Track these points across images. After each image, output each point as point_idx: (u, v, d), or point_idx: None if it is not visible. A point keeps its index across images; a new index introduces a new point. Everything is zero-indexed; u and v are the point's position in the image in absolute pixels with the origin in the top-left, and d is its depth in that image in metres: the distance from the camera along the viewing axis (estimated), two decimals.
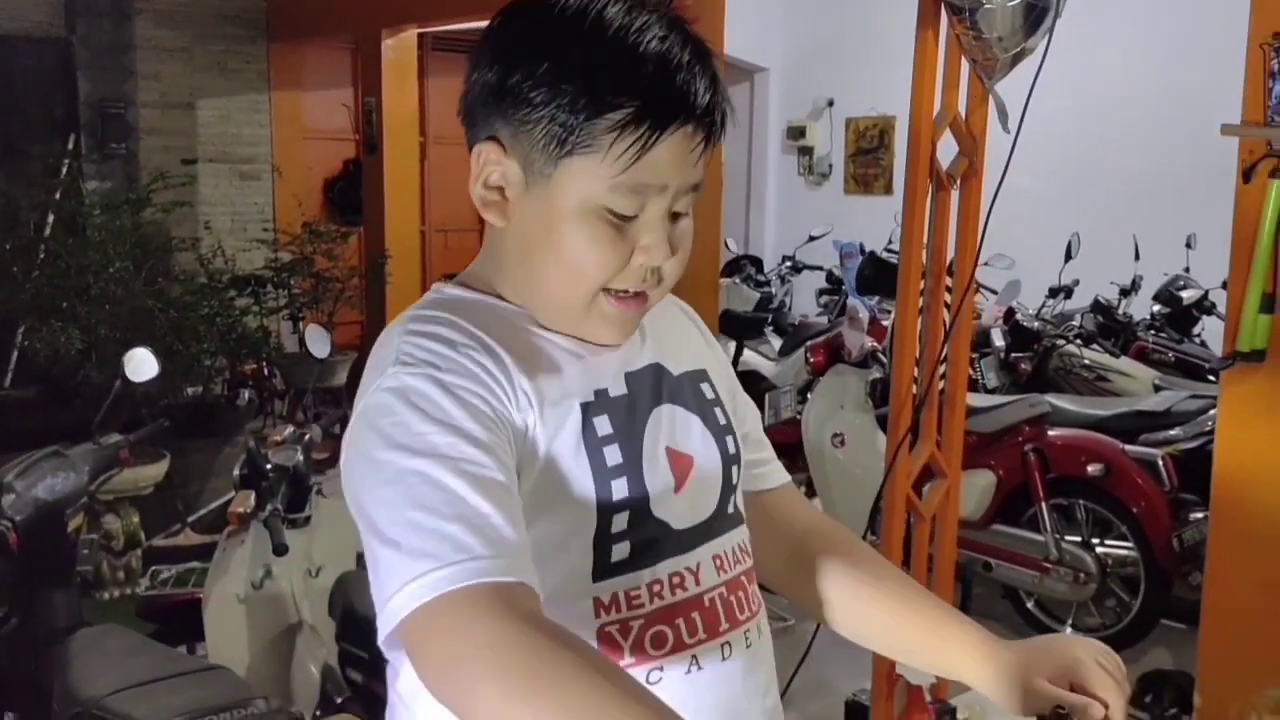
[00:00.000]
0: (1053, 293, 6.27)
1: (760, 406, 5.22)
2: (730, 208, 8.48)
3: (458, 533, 0.95)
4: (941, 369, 2.87)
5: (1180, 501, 4.23)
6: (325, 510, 3.32)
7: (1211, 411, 4.09)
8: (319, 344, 3.55)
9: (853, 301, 4.98)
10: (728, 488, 1.22)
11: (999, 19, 2.52)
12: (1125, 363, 5.55)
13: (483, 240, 1.25)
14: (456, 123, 1.17)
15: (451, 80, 7.63)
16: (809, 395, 5.07)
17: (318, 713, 3.08)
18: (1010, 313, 5.67)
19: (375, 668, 2.59)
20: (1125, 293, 6.33)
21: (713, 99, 1.09)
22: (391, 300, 6.90)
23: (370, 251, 7.22)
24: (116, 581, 4.79)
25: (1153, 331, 6.04)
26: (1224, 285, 3.35)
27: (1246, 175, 3.20)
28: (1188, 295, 6.07)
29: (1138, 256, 6.38)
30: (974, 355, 5.38)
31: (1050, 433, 4.42)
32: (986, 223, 2.74)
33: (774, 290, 7.54)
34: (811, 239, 7.67)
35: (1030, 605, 4.45)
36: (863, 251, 5.76)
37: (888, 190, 8.76)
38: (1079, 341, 5.56)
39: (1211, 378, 4.98)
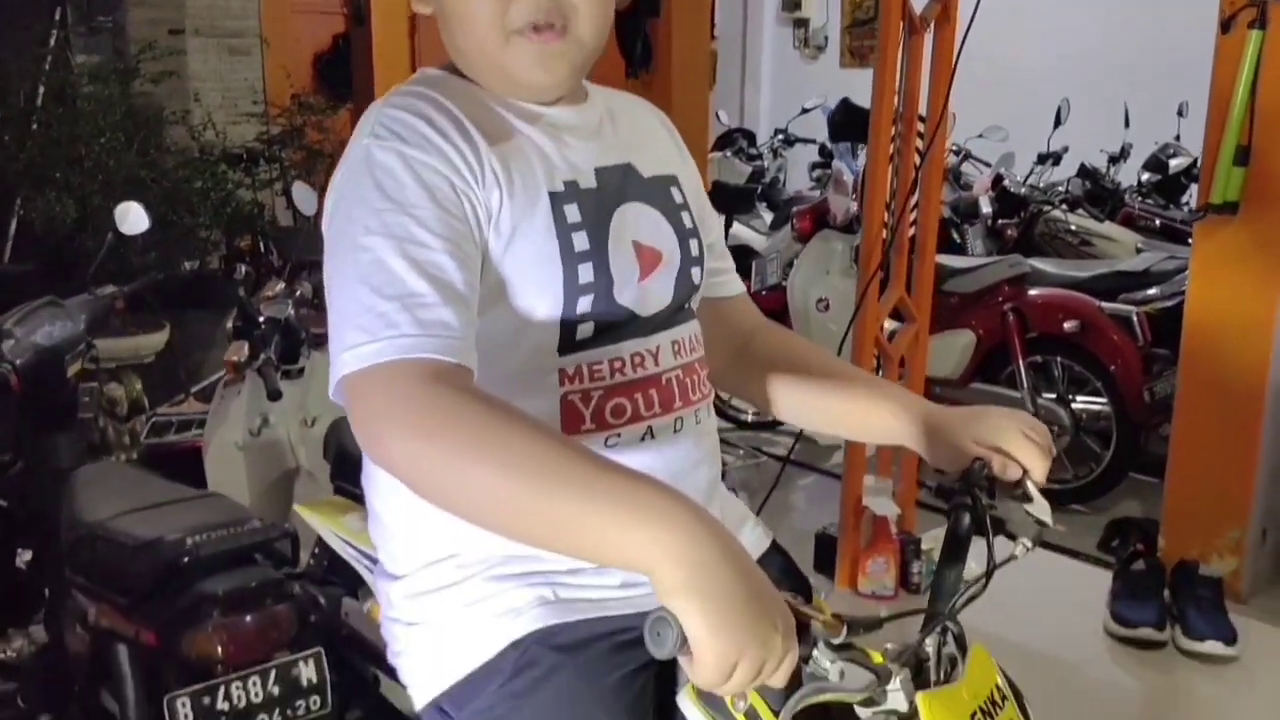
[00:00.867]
0: (1041, 159, 6.27)
1: (746, 274, 5.28)
2: (724, 80, 8.41)
3: (391, 311, 1.02)
4: (913, 216, 2.94)
5: (1153, 356, 4.33)
6: (318, 362, 3.42)
7: (1188, 272, 4.16)
8: (306, 201, 3.61)
9: (838, 164, 5.00)
10: (688, 285, 1.29)
11: None
12: (1109, 227, 5.59)
13: None
14: None
15: None
16: (795, 263, 5.13)
17: (316, 550, 3.21)
18: (998, 179, 5.69)
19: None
20: (1114, 160, 6.34)
21: None
22: None
23: None
24: (122, 446, 4.92)
25: (1140, 198, 6.07)
26: None
27: (1225, 26, 3.21)
28: (1176, 163, 6.08)
29: (1128, 124, 6.37)
30: (961, 223, 5.43)
31: (1029, 292, 4.49)
32: (956, 65, 2.77)
33: (766, 164, 7.53)
34: (804, 111, 7.62)
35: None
36: None
37: None
38: (1064, 207, 5.59)
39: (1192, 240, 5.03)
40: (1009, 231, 5.57)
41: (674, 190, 1.31)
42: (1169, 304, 4.46)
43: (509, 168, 1.15)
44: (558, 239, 1.16)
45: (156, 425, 3.88)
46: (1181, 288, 4.32)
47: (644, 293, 1.22)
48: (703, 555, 0.89)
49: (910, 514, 3.33)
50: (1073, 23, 7.33)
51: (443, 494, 0.98)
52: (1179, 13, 5.83)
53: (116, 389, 5.35)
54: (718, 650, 0.87)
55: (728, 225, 6.08)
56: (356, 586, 2.76)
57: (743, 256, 5.61)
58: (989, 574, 1.19)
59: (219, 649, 2.29)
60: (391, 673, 1.64)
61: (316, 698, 2.45)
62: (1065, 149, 6.28)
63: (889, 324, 3.29)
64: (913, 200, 2.85)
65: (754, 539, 1.39)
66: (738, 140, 7.95)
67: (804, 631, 0.97)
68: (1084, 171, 6.10)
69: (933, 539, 3.00)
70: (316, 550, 3.21)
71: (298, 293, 3.46)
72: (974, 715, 1.09)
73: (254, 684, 2.34)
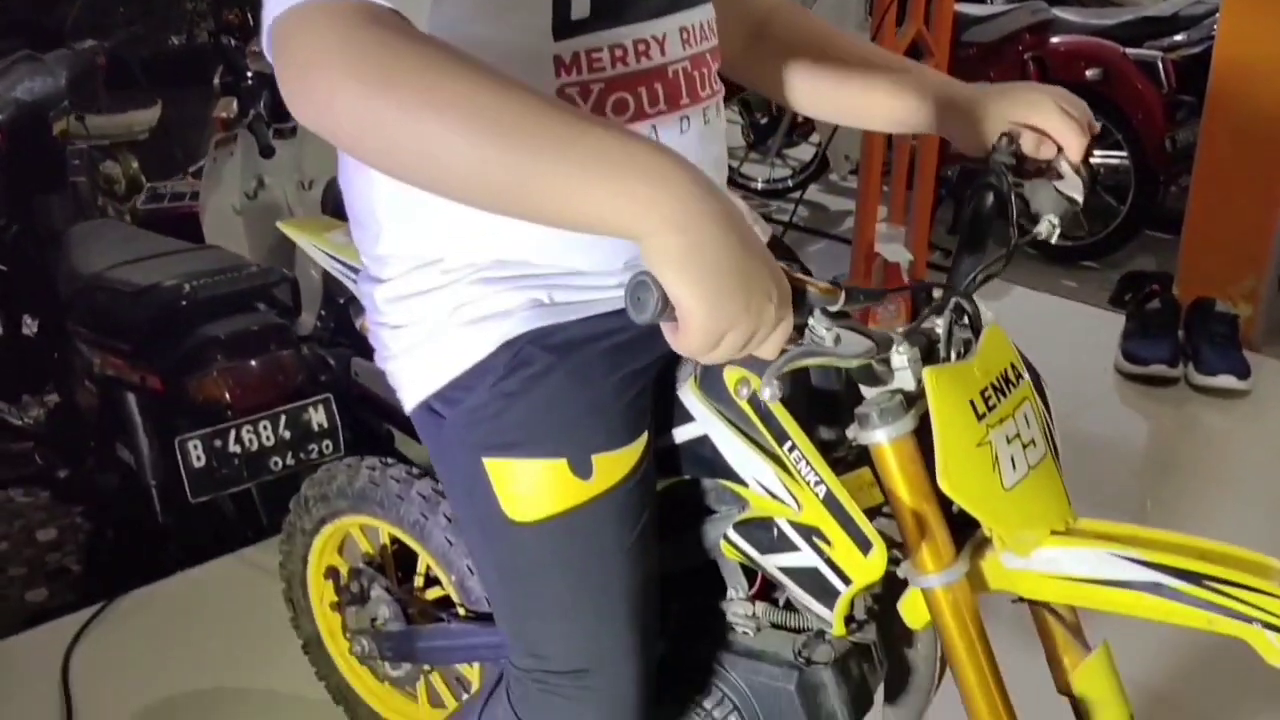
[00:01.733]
0: None
1: None
2: None
3: None
4: None
5: (1177, 104, 4.18)
6: None
7: (1218, 14, 3.97)
8: None
9: None
10: None
11: None
12: None
13: None
14: None
15: None
16: None
17: (322, 312, 3.19)
18: None
19: None
20: None
21: None
22: None
23: None
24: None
25: None
26: None
27: None
28: None
29: None
30: None
31: (1051, 40, 4.30)
32: None
33: None
34: None
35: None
36: None
37: None
38: None
39: None
40: None
41: None
42: (1196, 50, 4.27)
43: None
44: None
45: (152, 193, 3.81)
46: (1211, 32, 4.13)
47: None
48: (697, 216, 0.80)
49: (921, 262, 3.28)
50: None
51: (394, 154, 0.83)
52: None
53: (113, 167, 5.25)
54: (706, 317, 0.79)
55: None
56: (365, 346, 2.75)
57: None
58: (1010, 253, 1.13)
59: (225, 393, 2.29)
60: (405, 426, 1.61)
61: (329, 441, 2.47)
62: None
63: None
64: None
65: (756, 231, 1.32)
66: None
67: (799, 300, 0.91)
68: None
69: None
70: (323, 313, 3.20)
71: None
72: (984, 392, 1.04)
73: (265, 428, 2.35)
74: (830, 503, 1.07)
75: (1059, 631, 1.17)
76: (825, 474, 1.07)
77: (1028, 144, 1.17)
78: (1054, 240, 1.17)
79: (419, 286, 1.08)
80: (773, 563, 1.14)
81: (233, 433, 2.32)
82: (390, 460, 1.62)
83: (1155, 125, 4.09)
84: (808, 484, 1.08)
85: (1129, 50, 4.20)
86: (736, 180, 4.82)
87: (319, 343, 2.92)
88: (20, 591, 2.48)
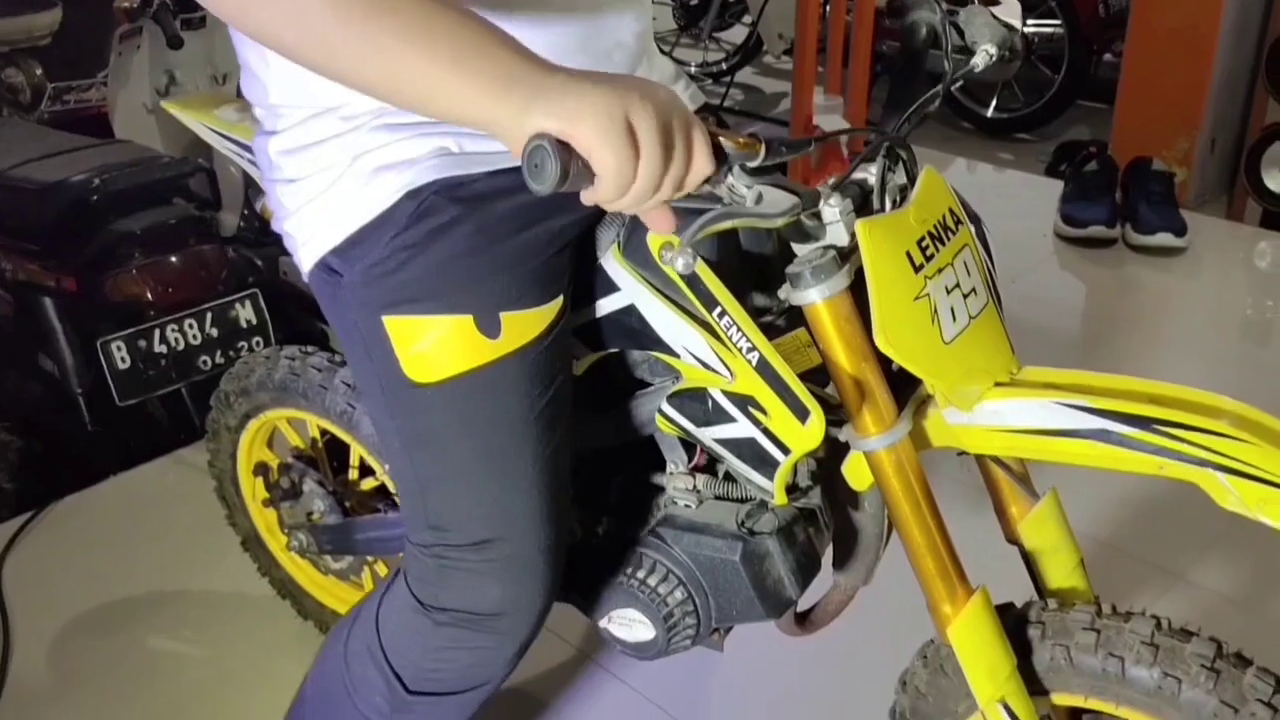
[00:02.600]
0: None
1: None
2: None
3: None
4: None
5: None
6: None
7: None
8: None
9: None
10: None
11: None
12: None
13: None
14: None
15: None
16: None
17: (245, 212, 3.08)
18: None
19: None
20: None
21: None
22: None
23: None
24: None
25: None
26: None
27: None
28: None
29: None
30: None
31: None
32: None
33: None
34: None
35: (953, 89, 4.43)
36: None
37: None
38: None
39: None
40: None
41: None
42: None
43: None
44: None
45: (56, 92, 3.62)
46: None
47: None
48: (581, 78, 0.77)
49: (859, 139, 3.24)
50: None
51: (271, 27, 0.80)
52: None
53: (15, 75, 5.02)
54: (614, 158, 0.75)
55: None
56: None
57: None
58: (946, 86, 1.08)
59: (146, 291, 2.21)
60: None
61: (259, 338, 2.40)
62: None
63: None
64: None
65: (686, 98, 1.27)
66: None
67: (718, 155, 0.86)
68: None
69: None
70: (246, 212, 3.09)
71: None
72: (921, 241, 1.00)
73: (190, 326, 2.28)
74: (764, 370, 1.03)
75: (1006, 482, 1.16)
76: (758, 340, 1.03)
77: None
78: (989, 66, 1.13)
79: (316, 135, 1.01)
80: (709, 435, 1.11)
81: (157, 332, 2.24)
82: (310, 349, 1.56)
83: None
84: (740, 351, 1.04)
85: None
86: None
87: (245, 244, 2.82)
88: None
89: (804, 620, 1.34)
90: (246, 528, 1.77)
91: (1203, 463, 0.88)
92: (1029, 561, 1.17)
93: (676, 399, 1.11)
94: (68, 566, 2.05)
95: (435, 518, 1.08)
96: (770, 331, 1.06)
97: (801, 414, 1.02)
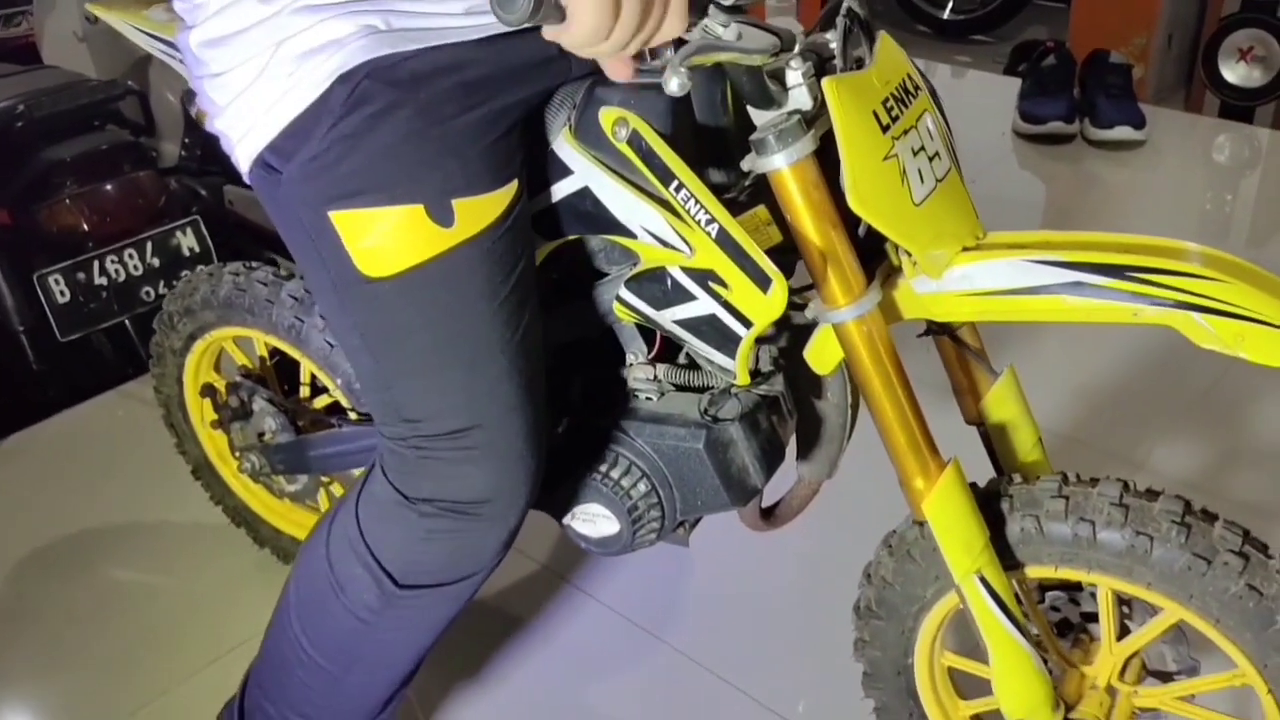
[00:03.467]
0: None
1: None
2: None
3: None
4: None
5: None
6: None
7: None
8: None
9: None
10: None
11: None
12: None
13: None
14: None
15: None
16: None
17: (186, 140, 2.99)
18: None
19: None
20: None
21: None
22: None
23: None
24: None
25: None
26: None
27: None
28: None
29: None
30: None
31: None
32: None
33: None
34: None
35: None
36: None
37: None
38: None
39: None
40: None
41: None
42: None
43: None
44: None
45: None
46: None
47: None
48: None
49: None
50: None
51: None
52: None
53: None
54: (594, 8, 0.73)
55: None
56: (238, 173, 2.58)
57: None
58: None
59: (81, 221, 2.13)
60: (286, 253, 1.48)
61: (202, 266, 2.32)
62: None
63: None
64: None
65: None
66: None
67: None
68: None
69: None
70: (187, 140, 2.99)
71: None
72: (886, 102, 0.96)
73: (130, 256, 2.20)
74: (724, 241, 0.99)
75: (966, 362, 1.14)
76: (716, 210, 0.99)
77: None
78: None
79: (236, 24, 0.95)
80: (669, 317, 1.07)
81: (96, 264, 2.16)
82: (254, 264, 1.50)
83: None
84: (698, 224, 1.00)
85: None
86: None
87: (187, 173, 2.73)
88: None
89: (769, 515, 1.32)
90: (197, 455, 1.72)
91: (1177, 305, 0.85)
92: (989, 442, 1.16)
93: (635, 282, 1.07)
94: (20, 504, 1.99)
95: (405, 410, 1.04)
96: (730, 208, 1.02)
97: (763, 282, 0.99)
